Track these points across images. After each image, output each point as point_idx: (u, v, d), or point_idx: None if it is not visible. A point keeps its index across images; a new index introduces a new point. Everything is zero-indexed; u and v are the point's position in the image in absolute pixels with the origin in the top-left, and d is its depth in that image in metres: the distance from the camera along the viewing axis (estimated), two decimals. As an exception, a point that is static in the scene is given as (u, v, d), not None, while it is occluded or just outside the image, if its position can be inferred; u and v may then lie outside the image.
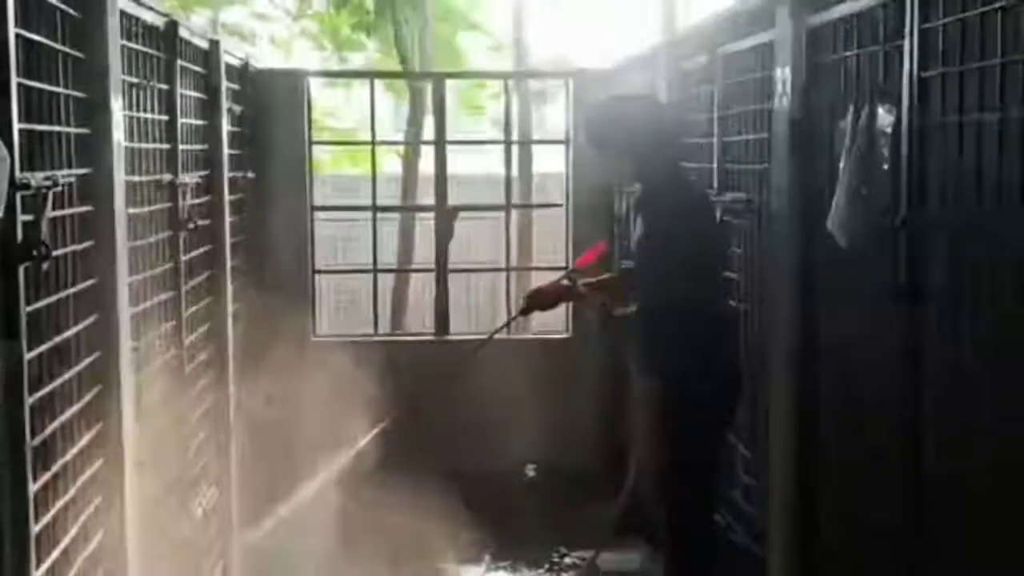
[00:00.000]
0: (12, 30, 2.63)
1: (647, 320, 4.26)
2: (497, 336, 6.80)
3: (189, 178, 4.73)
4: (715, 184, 4.88)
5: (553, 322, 8.31)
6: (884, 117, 3.08)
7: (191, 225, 4.69)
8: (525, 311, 5.01)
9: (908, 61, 2.94)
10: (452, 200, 7.53)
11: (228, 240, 5.54)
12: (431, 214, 7.68)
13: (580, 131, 4.67)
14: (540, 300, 4.88)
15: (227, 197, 5.52)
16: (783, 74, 3.86)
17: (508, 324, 6.01)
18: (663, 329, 4.14)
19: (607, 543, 5.86)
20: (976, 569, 2.70)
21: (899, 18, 2.99)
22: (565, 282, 4.83)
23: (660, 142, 4.30)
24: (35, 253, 2.71)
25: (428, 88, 10.89)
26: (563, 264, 7.63)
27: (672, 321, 4.08)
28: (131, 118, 3.94)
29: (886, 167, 3.08)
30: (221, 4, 14.54)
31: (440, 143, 7.51)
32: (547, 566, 6.10)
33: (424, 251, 9.79)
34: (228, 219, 5.56)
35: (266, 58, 7.44)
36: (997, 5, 2.50)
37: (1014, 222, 2.46)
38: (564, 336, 7.59)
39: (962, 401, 2.74)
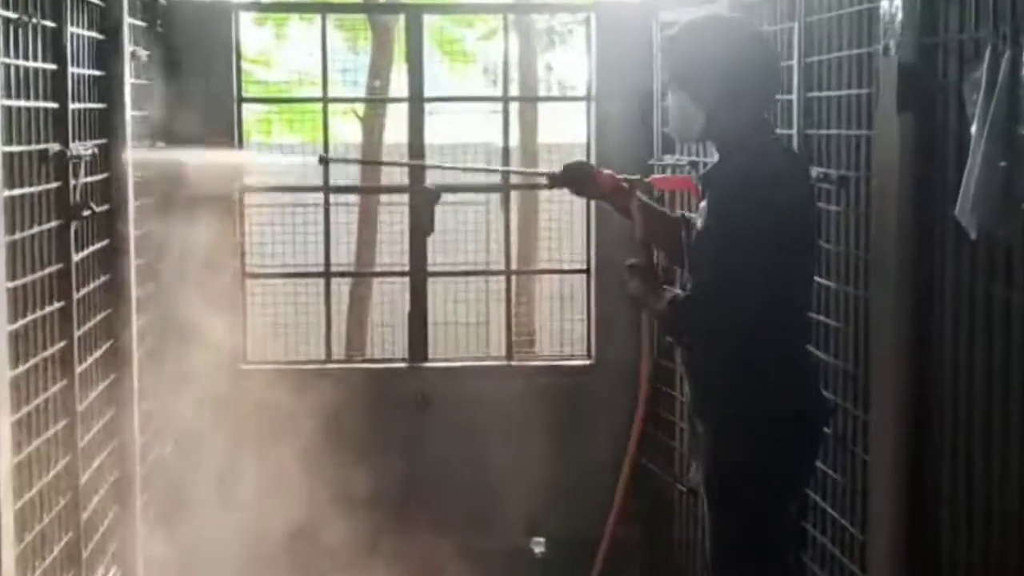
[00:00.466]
0: None
1: (712, 352, 4.18)
2: (487, 362, 6.90)
3: (83, 148, 4.75)
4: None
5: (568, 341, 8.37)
6: (1033, 66, 3.12)
7: (85, 212, 4.72)
8: (552, 181, 4.96)
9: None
10: (431, 179, 7.55)
11: (132, 232, 5.57)
12: (403, 197, 7.71)
13: (663, 58, 4.53)
14: (576, 177, 4.85)
15: (131, 175, 5.55)
16: (891, 6, 3.89)
17: (521, 173, 5.95)
18: (737, 368, 4.09)
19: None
20: None
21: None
22: (623, 184, 4.76)
23: (759, 92, 4.24)
24: None
25: (398, 27, 10.96)
26: (582, 267, 7.69)
27: (750, 355, 4.05)
28: (7, 67, 3.96)
29: (1036, 133, 3.11)
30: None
31: (416, 101, 7.52)
32: None
33: (393, 248, 9.82)
34: (132, 204, 5.59)
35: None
36: None
37: None
38: (584, 363, 7.61)
39: None
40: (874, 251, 4.14)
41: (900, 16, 3.84)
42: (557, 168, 4.90)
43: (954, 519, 3.72)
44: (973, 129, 3.32)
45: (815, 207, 4.39)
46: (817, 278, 4.74)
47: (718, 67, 4.12)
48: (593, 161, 7.42)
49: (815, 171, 4.71)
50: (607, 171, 4.84)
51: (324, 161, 6.07)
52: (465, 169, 6.54)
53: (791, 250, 4.15)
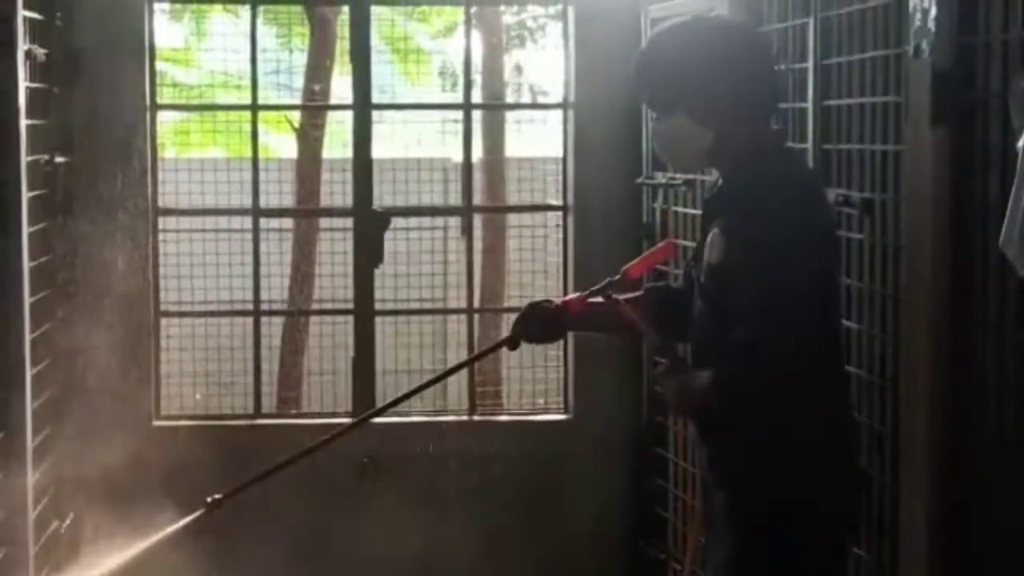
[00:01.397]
0: None
1: (729, 411, 4.06)
2: (446, 417, 6.90)
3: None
4: (809, 173, 4.96)
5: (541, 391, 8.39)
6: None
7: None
8: (514, 344, 4.79)
9: None
10: (379, 199, 7.56)
11: (26, 264, 5.56)
12: (347, 222, 7.71)
13: (636, 77, 4.36)
14: (539, 325, 4.69)
15: (24, 194, 5.54)
16: (922, 2, 3.92)
17: (474, 361, 5.95)
18: (760, 428, 3.99)
19: None
20: None
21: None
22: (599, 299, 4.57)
23: (764, 102, 4.20)
24: None
25: (340, 20, 10.99)
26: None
27: (775, 412, 3.94)
28: None
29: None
30: None
31: (362, 108, 7.55)
32: None
33: (335, 283, 9.83)
34: (25, 229, 5.58)
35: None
36: None
37: None
38: (560, 418, 7.62)
39: None
40: (905, 289, 4.15)
41: (934, 11, 3.86)
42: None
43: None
44: (1019, 146, 3.34)
45: (839, 244, 4.42)
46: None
47: (722, 79, 4.05)
48: (570, 180, 7.49)
49: (833, 193, 4.74)
50: (573, 295, 4.80)
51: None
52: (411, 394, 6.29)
53: (835, 286, 4.22)
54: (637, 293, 4.56)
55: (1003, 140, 3.57)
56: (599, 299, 4.51)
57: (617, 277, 4.62)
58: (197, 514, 5.06)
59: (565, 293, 7.54)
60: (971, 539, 3.87)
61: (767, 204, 3.91)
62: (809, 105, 4.96)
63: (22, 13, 5.52)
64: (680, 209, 6.53)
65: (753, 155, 4.07)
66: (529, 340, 4.73)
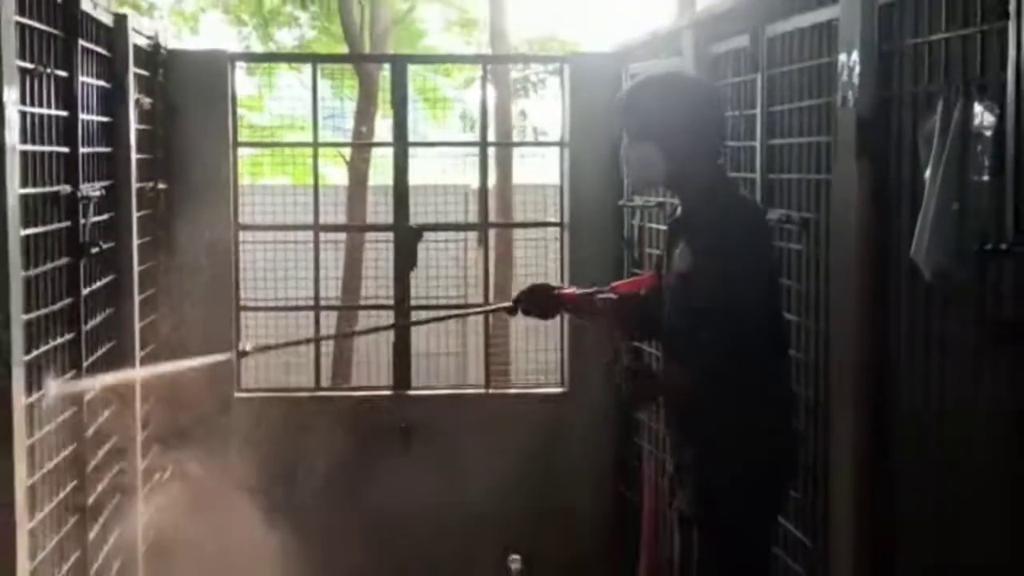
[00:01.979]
0: None
1: (703, 402, 4.07)
2: (466, 390, 6.93)
3: (92, 190, 4.77)
4: (758, 198, 4.95)
5: (544, 371, 8.39)
6: (983, 116, 3.14)
7: (94, 249, 4.73)
8: (512, 311, 4.81)
9: (1015, 47, 3.00)
10: (414, 217, 7.57)
11: (136, 268, 5.58)
12: (388, 235, 7.71)
13: (617, 114, 4.41)
14: (539, 300, 4.70)
15: (135, 213, 5.56)
16: (849, 60, 3.92)
17: (476, 313, 5.87)
18: (737, 405, 3.99)
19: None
20: None
21: (1003, -7, 3.07)
22: (586, 297, 4.60)
23: (716, 143, 4.20)
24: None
25: (382, 75, 10.99)
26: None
27: (751, 392, 3.98)
28: (23, 114, 3.97)
29: (986, 179, 3.14)
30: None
31: (401, 145, 7.56)
32: None
33: (378, 283, 9.81)
34: (136, 241, 5.60)
35: (170, 36, 7.44)
36: None
37: None
38: (557, 391, 7.62)
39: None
40: (833, 289, 4.15)
41: (858, 70, 3.86)
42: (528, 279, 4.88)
43: (912, 538, 3.75)
44: (926, 175, 3.34)
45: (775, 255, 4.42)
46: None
47: (685, 121, 4.09)
48: (565, 203, 7.49)
49: (777, 212, 4.74)
50: (568, 289, 4.76)
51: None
52: (427, 321, 6.55)
53: (776, 288, 4.26)
54: (615, 296, 4.55)
55: (913, 172, 3.57)
56: (589, 297, 4.53)
57: (607, 288, 4.66)
58: (221, 358, 5.32)
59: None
60: (890, 481, 3.88)
61: (723, 227, 3.97)
62: (757, 143, 4.95)
63: (133, 70, 5.53)
64: (652, 225, 6.53)
65: (708, 189, 4.11)
66: (525, 312, 4.72)
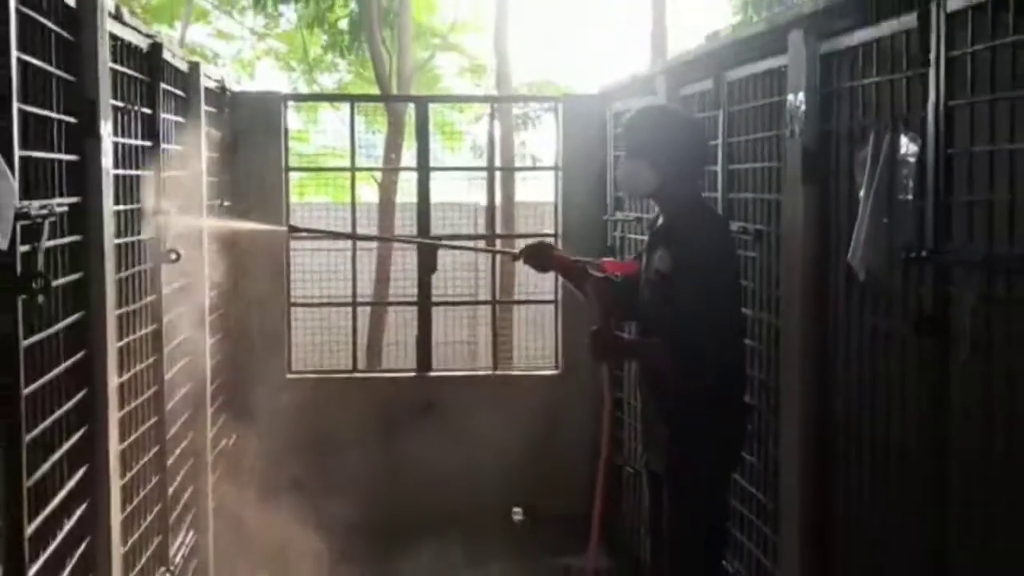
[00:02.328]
0: (14, 54, 2.68)
1: (675, 377, 4.09)
2: (477, 372, 6.95)
3: (171, 207, 4.77)
4: (720, 213, 4.95)
5: (542, 357, 8.39)
6: (907, 146, 3.15)
7: (172, 256, 4.73)
8: (515, 256, 4.80)
9: (934, 89, 3.01)
10: (433, 229, 7.58)
11: (206, 272, 5.58)
12: (411, 244, 7.73)
13: (624, 133, 4.46)
14: (539, 255, 4.67)
15: (206, 227, 5.56)
16: (796, 100, 3.91)
17: (486, 251, 5.82)
18: (703, 383, 4.03)
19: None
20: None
21: (924, 45, 3.06)
22: (576, 265, 4.61)
23: (696, 167, 4.28)
24: (34, 285, 2.75)
25: (408, 112, 11.00)
26: (551, 298, 7.72)
27: (715, 373, 4.03)
28: (116, 144, 3.98)
29: (910, 198, 3.14)
30: (179, 19, 14.58)
31: (423, 169, 7.57)
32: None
33: (405, 284, 9.84)
34: (207, 249, 5.60)
35: (232, 80, 7.49)
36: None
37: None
38: (552, 373, 7.63)
39: (987, 440, 2.81)
40: (783, 288, 4.15)
41: (803, 108, 3.86)
42: (530, 240, 4.85)
43: (847, 492, 3.76)
44: (861, 195, 3.35)
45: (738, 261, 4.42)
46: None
47: (675, 145, 4.14)
48: (559, 217, 7.49)
49: (736, 225, 4.74)
50: (563, 255, 4.75)
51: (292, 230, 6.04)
52: (451, 246, 6.68)
53: (738, 286, 4.32)
54: (602, 275, 4.55)
55: (849, 193, 3.57)
56: (579, 264, 4.59)
57: (597, 262, 4.78)
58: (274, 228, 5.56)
59: (556, 294, 7.57)
60: (830, 447, 3.88)
61: (698, 236, 4.03)
62: (719, 168, 4.94)
63: (204, 108, 5.54)
64: (631, 236, 6.53)
65: (687, 204, 4.17)
66: (525, 261, 4.68)
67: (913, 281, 3.16)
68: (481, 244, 10.45)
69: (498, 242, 8.59)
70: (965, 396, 2.93)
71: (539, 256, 4.67)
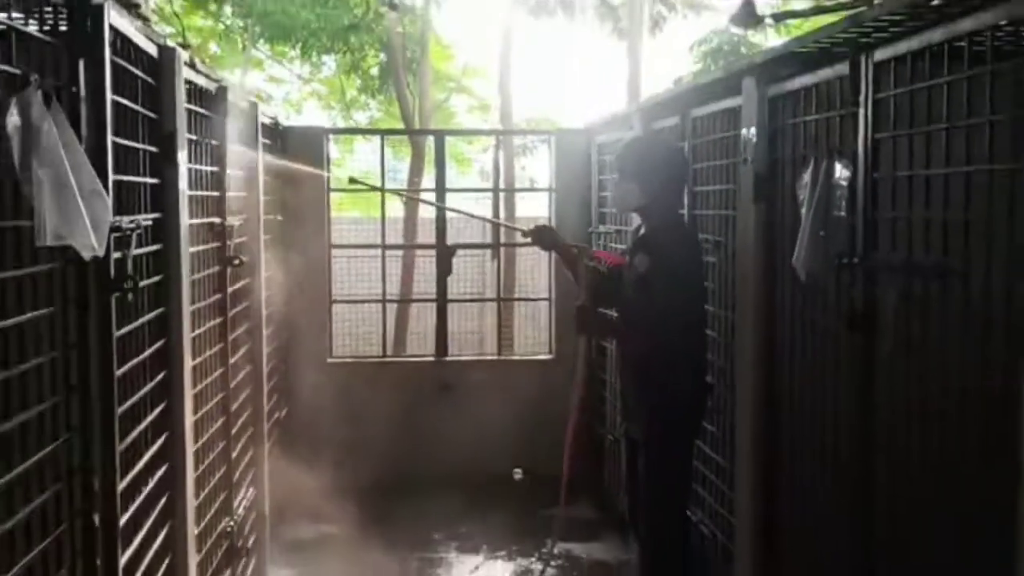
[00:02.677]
0: (109, 96, 2.69)
1: (651, 359, 4.14)
2: (485, 357, 6.95)
3: (234, 221, 4.78)
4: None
5: (539, 344, 8.39)
6: (841, 172, 3.16)
7: (235, 261, 4.73)
8: (525, 233, 4.74)
9: (863, 125, 3.02)
10: (449, 239, 7.58)
11: (263, 274, 5.58)
12: (432, 251, 7.73)
13: (617, 158, 4.46)
14: (544, 235, 4.65)
15: (262, 237, 5.56)
16: (748, 134, 3.92)
17: (499, 224, 5.80)
18: (673, 364, 4.09)
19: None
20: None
21: (854, 89, 3.07)
22: (573, 248, 4.61)
23: (674, 187, 4.28)
24: (124, 285, 2.76)
25: (428, 144, 11.01)
26: (546, 296, 7.72)
27: (682, 355, 4.09)
28: (191, 170, 3.98)
29: (843, 215, 3.15)
30: (239, 66, 14.59)
31: (441, 190, 7.58)
32: (536, 555, 6.12)
33: (426, 284, 9.85)
34: (263, 256, 5.60)
35: (281, 116, 7.52)
36: (942, 80, 2.60)
37: (956, 264, 2.54)
38: (547, 358, 7.63)
39: (907, 415, 2.82)
40: (738, 289, 4.15)
41: (755, 140, 3.87)
42: (534, 224, 4.86)
43: (791, 454, 3.77)
44: (802, 211, 3.36)
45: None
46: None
47: (658, 169, 4.20)
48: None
49: (701, 236, 4.74)
50: (562, 239, 4.73)
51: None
52: (471, 215, 6.79)
53: (703, 287, 4.32)
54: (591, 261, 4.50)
55: (792, 210, 3.57)
56: (575, 248, 4.59)
57: (589, 248, 4.89)
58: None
59: (550, 293, 7.57)
60: (776, 422, 3.89)
61: (672, 245, 4.09)
62: (685, 189, 4.95)
63: (261, 140, 5.54)
64: (612, 245, 6.53)
65: (665, 218, 4.21)
66: (532, 240, 4.67)
67: (845, 283, 3.17)
68: (488, 252, 10.51)
69: (502, 251, 8.60)
70: (889, 378, 2.95)
71: (544, 236, 4.66)
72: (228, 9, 12.37)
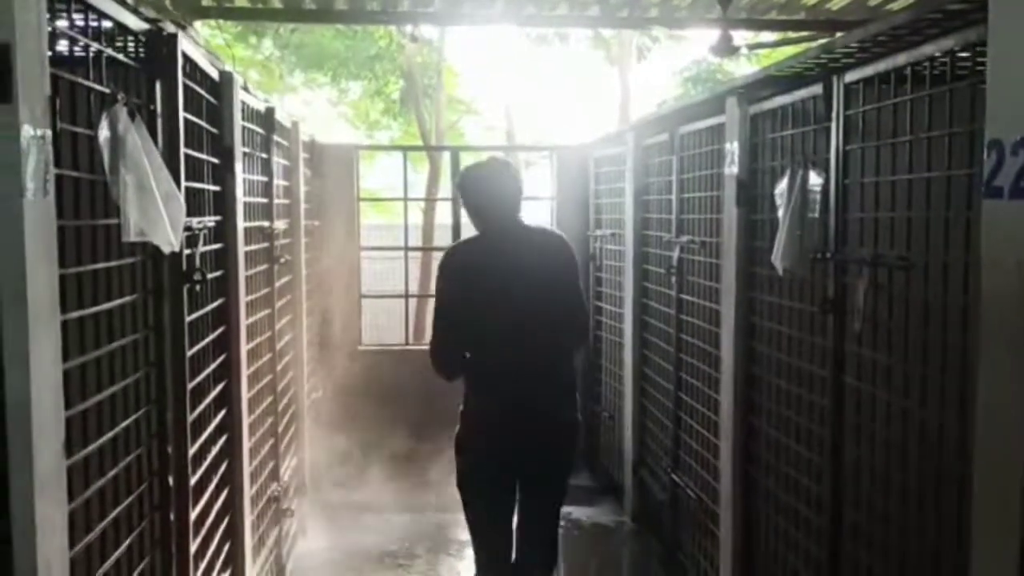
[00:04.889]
0: (181, 114, 2.73)
1: (553, 361, 3.61)
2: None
3: (280, 225, 4.82)
4: (673, 229, 4.98)
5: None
6: (815, 179, 3.18)
7: (281, 260, 4.77)
8: None
9: (835, 138, 3.05)
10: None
11: (304, 272, 5.62)
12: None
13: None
14: None
15: (303, 240, 5.61)
16: (732, 147, 3.95)
17: None
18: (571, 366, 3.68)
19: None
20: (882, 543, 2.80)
21: (827, 106, 3.10)
22: None
23: (508, 203, 3.65)
24: (195, 277, 2.80)
25: (444, 158, 11.04)
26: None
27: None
28: (244, 180, 4.02)
29: (816, 216, 3.18)
30: (276, 91, 14.63)
31: (456, 201, 7.58)
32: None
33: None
34: (304, 256, 5.64)
35: (317, 135, 7.62)
36: (905, 98, 2.63)
37: (916, 258, 2.58)
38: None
39: (873, 382, 2.85)
40: (722, 282, 4.16)
41: (737, 152, 3.90)
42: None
43: (767, 419, 3.80)
44: (779, 214, 3.38)
45: None
46: (688, 296, 4.82)
47: (486, 191, 3.67)
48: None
49: (686, 238, 4.77)
50: None
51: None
52: None
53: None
54: None
55: (771, 213, 3.60)
56: None
57: None
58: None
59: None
60: (757, 394, 3.91)
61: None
62: (674, 196, 4.98)
63: (301, 155, 5.58)
64: (608, 247, 6.57)
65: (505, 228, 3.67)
66: None
67: (819, 275, 3.20)
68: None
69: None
70: (857, 352, 2.98)
71: None
72: (268, 42, 12.40)
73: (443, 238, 9.02)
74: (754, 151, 3.85)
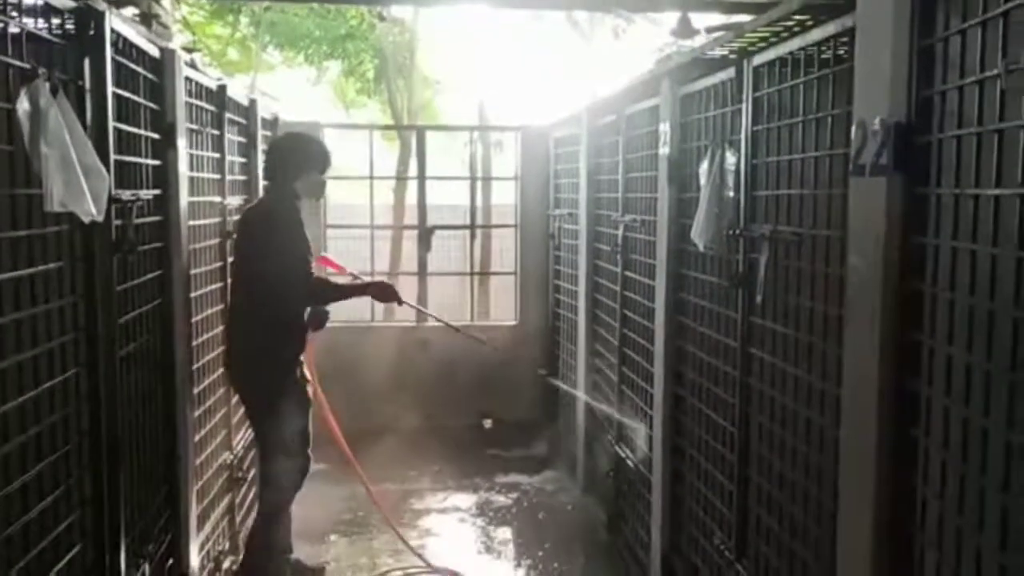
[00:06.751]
0: (110, 88, 2.84)
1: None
2: (464, 324, 7.14)
3: (233, 201, 4.91)
4: (620, 208, 5.10)
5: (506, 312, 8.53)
6: (730, 159, 3.31)
7: (234, 235, 4.85)
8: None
9: (745, 119, 3.18)
10: (430, 221, 7.72)
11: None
12: (415, 232, 7.87)
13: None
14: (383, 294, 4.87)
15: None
16: (664, 128, 4.06)
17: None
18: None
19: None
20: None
21: (738, 88, 3.23)
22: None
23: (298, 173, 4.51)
24: (124, 248, 2.92)
25: (413, 137, 11.11)
26: (512, 271, 7.86)
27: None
28: (192, 155, 4.12)
29: (731, 194, 3.31)
30: (255, 70, 14.65)
31: (422, 178, 7.70)
32: (488, 486, 6.33)
33: (410, 260, 9.97)
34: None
35: (291, 113, 7.63)
36: (803, 79, 2.76)
37: (806, 234, 2.71)
38: (514, 323, 7.77)
39: (773, 345, 2.99)
40: (657, 257, 4.26)
41: (669, 133, 4.01)
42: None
43: (691, 405, 3.93)
44: (702, 193, 3.51)
45: None
46: (630, 273, 4.94)
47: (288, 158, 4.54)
48: (519, 212, 7.61)
49: (629, 217, 4.89)
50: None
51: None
52: (435, 318, 6.80)
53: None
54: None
55: (696, 190, 3.68)
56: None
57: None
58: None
59: (515, 266, 7.71)
60: (684, 360, 4.04)
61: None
62: (619, 176, 5.08)
63: (260, 132, 5.63)
64: (565, 226, 6.68)
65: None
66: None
67: (732, 250, 3.33)
68: (466, 239, 10.62)
69: (478, 232, 8.73)
70: (761, 320, 3.11)
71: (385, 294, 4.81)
72: (244, 19, 12.44)
73: (412, 216, 9.13)
74: (684, 131, 3.97)
